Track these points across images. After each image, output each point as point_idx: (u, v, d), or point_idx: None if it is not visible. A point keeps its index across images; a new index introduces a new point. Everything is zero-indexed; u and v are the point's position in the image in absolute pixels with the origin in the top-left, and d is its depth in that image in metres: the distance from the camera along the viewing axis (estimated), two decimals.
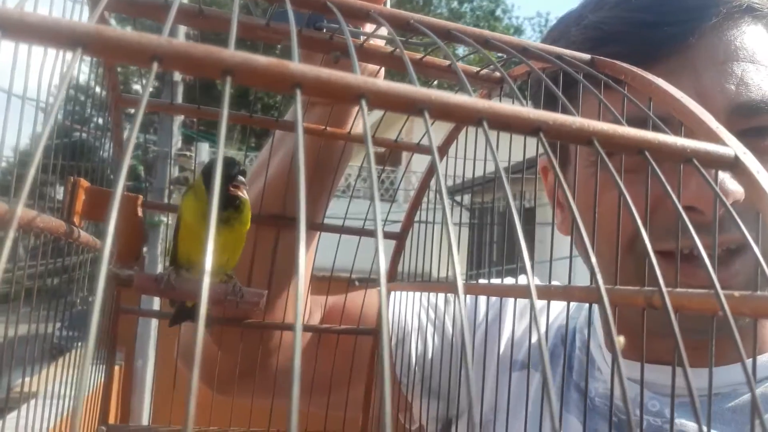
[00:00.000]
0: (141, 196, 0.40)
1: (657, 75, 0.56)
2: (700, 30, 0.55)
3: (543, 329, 0.69)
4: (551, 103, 0.32)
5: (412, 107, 0.19)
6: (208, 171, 0.48)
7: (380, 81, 0.19)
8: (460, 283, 0.17)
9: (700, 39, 0.55)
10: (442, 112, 0.19)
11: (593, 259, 0.20)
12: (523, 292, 0.34)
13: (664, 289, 0.20)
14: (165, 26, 0.23)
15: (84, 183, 0.42)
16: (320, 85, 0.18)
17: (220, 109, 0.57)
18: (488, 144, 0.19)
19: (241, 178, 0.46)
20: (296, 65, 0.18)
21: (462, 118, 0.19)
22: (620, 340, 0.27)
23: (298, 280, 0.15)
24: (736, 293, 0.20)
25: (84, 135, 0.54)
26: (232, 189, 0.45)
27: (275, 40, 0.38)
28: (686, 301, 0.22)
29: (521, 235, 0.18)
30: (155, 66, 0.18)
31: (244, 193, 0.46)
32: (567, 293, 0.29)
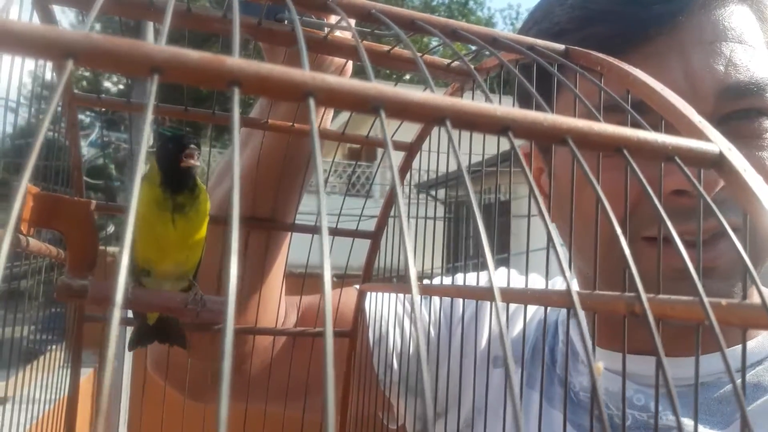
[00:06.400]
0: (93, 201, 0.38)
1: (645, 55, 0.54)
2: (688, 9, 0.53)
3: (520, 327, 0.67)
4: (527, 97, 0.30)
5: (365, 105, 0.17)
6: (159, 148, 0.43)
7: (330, 77, 0.17)
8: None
9: (689, 18, 0.53)
10: (399, 110, 0.17)
11: (566, 267, 0.18)
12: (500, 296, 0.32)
13: (644, 298, 0.18)
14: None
15: (32, 189, 0.39)
16: (261, 82, 0.16)
17: (182, 107, 0.53)
18: (450, 144, 0.17)
19: (193, 146, 0.42)
20: (234, 60, 0.16)
21: (422, 117, 0.17)
22: (599, 367, 0.26)
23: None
24: (723, 302, 0.19)
25: (53, 134, 0.52)
26: (184, 160, 0.41)
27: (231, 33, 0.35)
28: (669, 309, 0.20)
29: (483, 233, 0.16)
30: (70, 64, 0.15)
31: (197, 161, 0.42)
32: (544, 298, 0.28)
